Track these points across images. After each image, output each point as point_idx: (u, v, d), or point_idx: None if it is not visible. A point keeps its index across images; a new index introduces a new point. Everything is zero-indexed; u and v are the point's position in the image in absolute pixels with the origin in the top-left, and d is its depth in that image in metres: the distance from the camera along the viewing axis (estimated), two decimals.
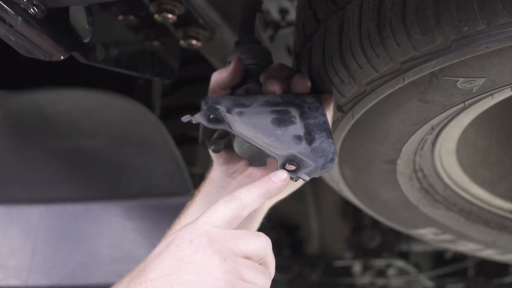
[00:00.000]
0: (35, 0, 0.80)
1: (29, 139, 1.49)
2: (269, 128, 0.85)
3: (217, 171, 1.01)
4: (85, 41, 0.99)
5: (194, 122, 0.81)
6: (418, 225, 1.43)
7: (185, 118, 0.80)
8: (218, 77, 0.96)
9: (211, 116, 0.83)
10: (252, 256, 0.72)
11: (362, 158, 1.11)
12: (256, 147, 0.82)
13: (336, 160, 0.82)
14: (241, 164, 0.99)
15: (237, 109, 0.87)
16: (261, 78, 0.95)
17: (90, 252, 1.59)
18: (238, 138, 0.89)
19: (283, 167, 0.79)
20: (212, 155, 0.99)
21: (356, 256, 2.39)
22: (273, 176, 0.77)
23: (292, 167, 0.79)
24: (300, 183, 0.92)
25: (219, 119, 0.83)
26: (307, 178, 0.78)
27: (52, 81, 1.43)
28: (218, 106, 0.86)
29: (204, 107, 0.86)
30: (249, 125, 0.84)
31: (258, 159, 0.98)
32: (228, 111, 0.86)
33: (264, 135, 0.83)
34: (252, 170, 0.99)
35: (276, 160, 0.80)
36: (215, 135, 0.95)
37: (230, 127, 0.83)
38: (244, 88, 0.95)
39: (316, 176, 0.81)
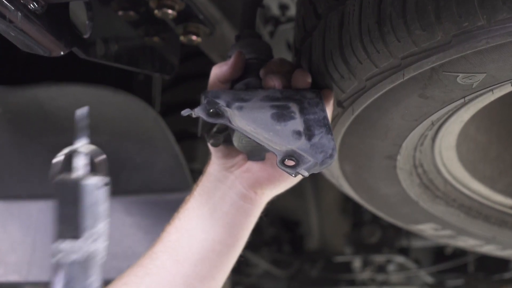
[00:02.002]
0: None
1: (29, 135, 1.49)
2: (269, 123, 0.84)
3: (215, 165, 1.00)
4: (85, 36, 0.99)
5: (193, 116, 0.81)
6: (418, 220, 1.43)
7: (185, 112, 0.80)
8: (218, 70, 0.96)
9: (211, 110, 0.83)
10: None
11: (362, 154, 1.11)
12: (255, 141, 0.82)
13: (335, 156, 0.82)
14: (239, 158, 0.99)
15: (237, 104, 0.86)
16: (261, 72, 0.95)
17: None
18: (237, 132, 0.89)
19: (282, 162, 0.79)
20: (211, 149, 0.99)
21: (356, 252, 2.40)
22: None
23: (292, 163, 0.79)
24: (298, 178, 0.92)
25: (218, 113, 0.83)
26: (306, 174, 0.78)
27: (52, 77, 1.42)
28: (218, 100, 0.86)
29: (204, 101, 0.86)
30: (248, 120, 0.84)
31: (257, 154, 0.98)
32: (228, 105, 0.86)
33: (264, 130, 0.83)
34: (250, 165, 0.99)
35: (275, 155, 0.80)
36: (214, 129, 0.95)
37: (229, 121, 0.83)
38: (244, 82, 0.95)
39: (315, 171, 0.81)
